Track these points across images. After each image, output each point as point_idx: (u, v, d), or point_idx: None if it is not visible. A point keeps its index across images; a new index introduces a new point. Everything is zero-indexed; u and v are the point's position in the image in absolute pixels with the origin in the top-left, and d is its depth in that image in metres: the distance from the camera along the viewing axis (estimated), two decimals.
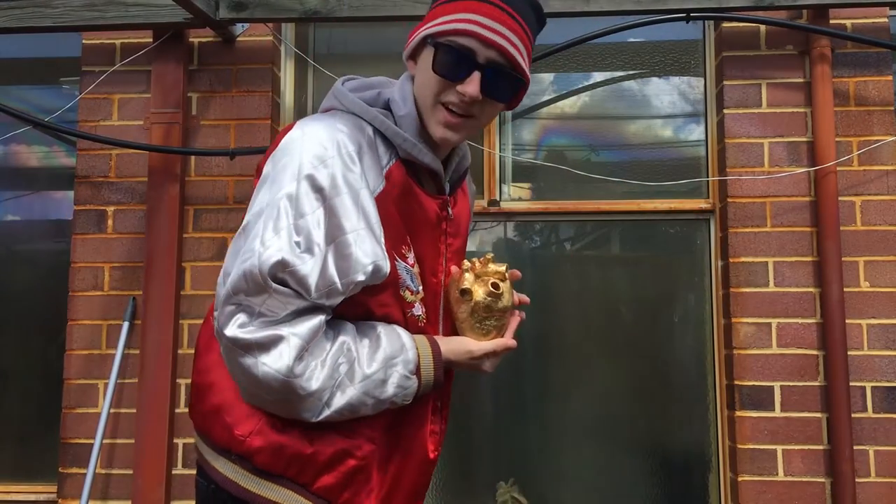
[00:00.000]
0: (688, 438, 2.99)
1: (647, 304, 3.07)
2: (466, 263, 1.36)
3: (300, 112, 3.21)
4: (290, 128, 1.27)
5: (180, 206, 2.92)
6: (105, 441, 2.84)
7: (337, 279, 1.17)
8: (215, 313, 1.20)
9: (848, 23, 2.86)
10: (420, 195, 1.32)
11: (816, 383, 2.73)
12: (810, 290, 2.77)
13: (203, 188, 2.98)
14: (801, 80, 2.87)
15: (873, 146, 2.80)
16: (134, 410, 2.85)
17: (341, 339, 1.22)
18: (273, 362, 1.14)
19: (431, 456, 1.40)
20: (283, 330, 1.15)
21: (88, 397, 2.91)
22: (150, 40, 2.97)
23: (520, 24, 1.25)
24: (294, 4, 2.84)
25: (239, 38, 3.03)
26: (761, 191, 2.83)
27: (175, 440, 2.85)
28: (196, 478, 1.31)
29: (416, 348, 1.28)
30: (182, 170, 2.94)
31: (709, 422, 2.96)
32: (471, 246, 3.07)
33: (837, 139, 2.79)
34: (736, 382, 2.76)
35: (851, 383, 2.69)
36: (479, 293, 1.32)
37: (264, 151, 3.12)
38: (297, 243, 1.15)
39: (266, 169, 1.24)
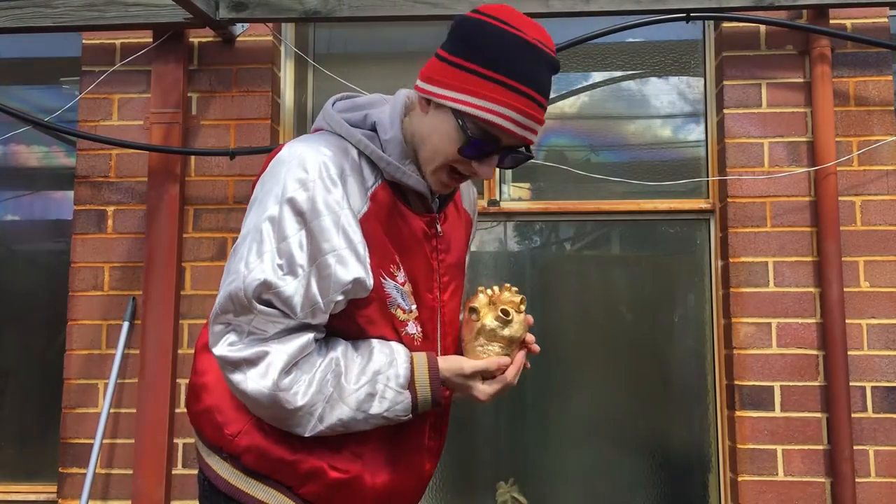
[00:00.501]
0: (688, 438, 2.99)
1: (647, 304, 3.07)
2: (485, 288, 1.36)
3: (300, 112, 3.21)
4: (279, 150, 1.30)
5: (180, 206, 2.92)
6: (105, 441, 2.84)
7: (319, 298, 1.21)
8: (208, 332, 1.25)
9: (848, 23, 2.86)
10: (407, 215, 1.33)
11: (816, 383, 2.73)
12: (810, 290, 2.77)
13: (203, 188, 2.98)
14: (801, 80, 2.87)
15: (873, 146, 2.80)
16: (134, 410, 2.85)
17: (331, 355, 1.25)
18: (260, 377, 1.19)
19: (427, 471, 1.41)
20: (271, 346, 1.20)
21: (88, 397, 2.91)
22: (150, 40, 2.97)
23: (544, 108, 1.26)
24: (294, 4, 2.84)
25: (239, 38, 3.03)
26: (761, 191, 2.83)
27: (175, 440, 2.85)
28: (197, 472, 1.37)
29: (410, 363, 1.28)
30: (182, 170, 2.94)
31: (709, 422, 2.96)
32: (471, 246, 3.08)
33: (837, 139, 2.79)
34: (736, 382, 2.76)
35: (851, 383, 2.69)
36: (488, 316, 1.31)
37: (264, 151, 3.13)
38: (280, 265, 1.19)
39: (255, 191, 1.28)
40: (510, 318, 1.31)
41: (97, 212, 2.99)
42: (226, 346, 1.20)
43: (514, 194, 3.14)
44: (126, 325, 2.89)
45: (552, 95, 3.24)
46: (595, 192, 3.07)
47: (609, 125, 3.21)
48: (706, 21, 3.02)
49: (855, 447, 2.66)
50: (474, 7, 1.31)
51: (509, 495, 2.96)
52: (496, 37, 1.23)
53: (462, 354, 1.36)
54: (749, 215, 2.82)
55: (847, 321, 2.70)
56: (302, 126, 3.21)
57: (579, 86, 3.21)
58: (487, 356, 1.31)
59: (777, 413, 2.73)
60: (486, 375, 1.32)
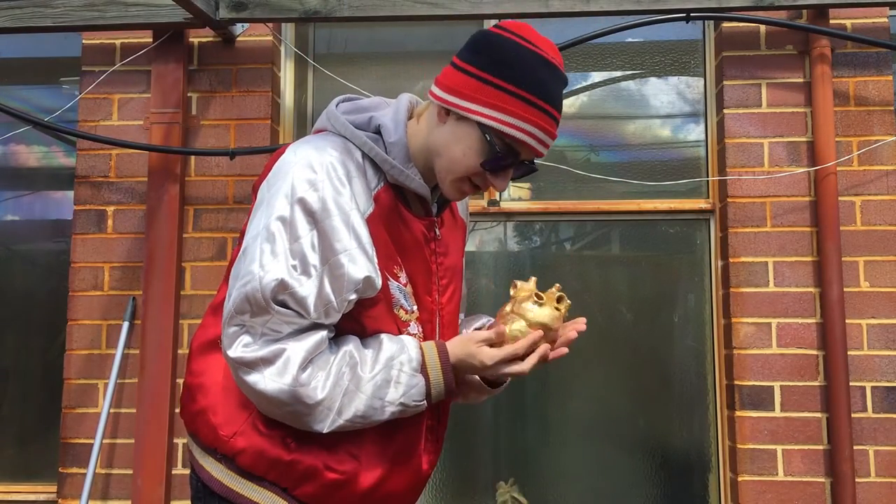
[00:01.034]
0: (688, 438, 2.99)
1: (647, 304, 3.07)
2: (535, 279, 1.39)
3: (300, 112, 3.21)
4: (283, 150, 1.31)
5: (180, 206, 2.92)
6: (105, 441, 2.84)
7: (333, 297, 1.22)
8: (221, 335, 1.24)
9: (848, 23, 2.86)
10: (407, 217, 1.35)
11: (816, 383, 2.73)
12: (810, 290, 2.77)
13: (203, 188, 2.98)
14: (801, 80, 2.87)
15: (873, 146, 2.80)
16: (134, 410, 2.85)
17: (344, 348, 1.26)
18: (279, 374, 1.19)
19: (424, 471, 1.41)
20: (287, 344, 1.20)
21: (88, 397, 2.91)
22: (150, 40, 2.97)
23: (558, 123, 1.30)
24: (294, 4, 2.84)
25: (239, 38, 3.03)
26: (761, 191, 2.83)
27: (175, 440, 2.85)
28: (189, 474, 1.36)
29: (420, 348, 1.30)
30: (182, 170, 2.94)
31: (709, 422, 2.96)
32: (471, 246, 3.08)
33: (837, 139, 2.79)
34: (736, 382, 2.76)
35: (851, 383, 2.69)
36: (524, 291, 1.35)
37: (264, 151, 3.12)
38: (294, 266, 1.20)
39: (261, 192, 1.28)
40: (542, 301, 1.33)
41: (97, 212, 2.99)
42: (241, 348, 1.20)
43: (514, 194, 3.14)
44: (126, 325, 2.89)
45: None
46: (595, 192, 3.07)
47: (609, 125, 3.21)
48: (706, 21, 3.02)
49: (855, 447, 2.66)
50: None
51: (509, 495, 2.96)
52: (521, 55, 1.26)
53: None
54: (749, 215, 2.82)
55: (847, 321, 2.70)
56: (302, 126, 3.21)
57: (579, 86, 3.21)
58: (512, 336, 1.30)
59: (777, 413, 2.73)
60: (495, 345, 1.30)
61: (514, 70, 1.25)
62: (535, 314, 1.32)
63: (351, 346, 1.26)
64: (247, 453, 1.26)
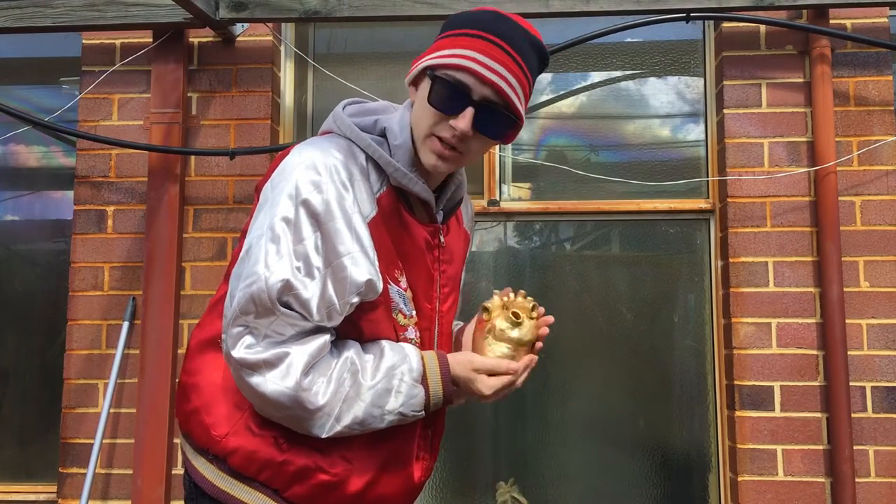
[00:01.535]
0: (688, 438, 2.99)
1: (647, 304, 3.07)
2: (499, 291, 1.39)
3: (300, 112, 3.21)
4: (287, 151, 1.30)
5: (180, 206, 2.92)
6: (105, 441, 2.85)
7: (335, 300, 1.21)
8: (223, 335, 1.23)
9: (848, 23, 2.86)
10: (410, 222, 1.34)
11: (816, 383, 2.73)
12: (810, 290, 2.77)
13: (203, 188, 2.98)
14: (801, 80, 2.87)
15: (873, 146, 2.80)
16: (134, 410, 2.85)
17: (345, 355, 1.25)
18: (281, 378, 1.19)
19: (417, 480, 1.40)
20: (290, 348, 1.20)
21: (88, 397, 2.91)
22: (150, 40, 2.97)
23: (519, 66, 1.26)
24: (294, 4, 2.84)
25: (239, 38, 3.03)
26: (761, 191, 2.83)
27: (175, 440, 2.85)
28: (183, 474, 1.36)
29: (422, 358, 1.30)
30: (182, 170, 2.94)
31: (709, 422, 2.96)
32: (471, 246, 3.08)
33: (837, 139, 2.79)
34: (736, 382, 2.76)
35: (851, 383, 2.69)
36: (499, 317, 1.34)
37: (264, 151, 3.12)
38: (298, 268, 1.20)
39: (265, 192, 1.28)
40: (520, 320, 1.33)
41: (97, 212, 2.99)
42: (244, 349, 1.20)
43: (514, 194, 3.14)
44: (126, 325, 2.89)
45: (551, 96, 3.26)
46: (595, 192, 3.07)
47: (609, 125, 3.21)
48: (706, 21, 3.02)
49: (855, 447, 2.66)
50: (473, 6, 1.32)
51: (509, 495, 2.96)
52: (474, 12, 1.30)
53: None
54: (749, 215, 2.82)
55: (847, 321, 2.70)
56: (302, 126, 3.21)
57: (579, 86, 3.21)
58: (495, 355, 1.33)
59: (777, 413, 2.73)
60: (492, 374, 1.33)
61: (457, 20, 1.29)
62: (517, 334, 1.33)
63: (352, 352, 1.26)
64: (238, 454, 1.26)
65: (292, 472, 1.26)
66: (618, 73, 3.19)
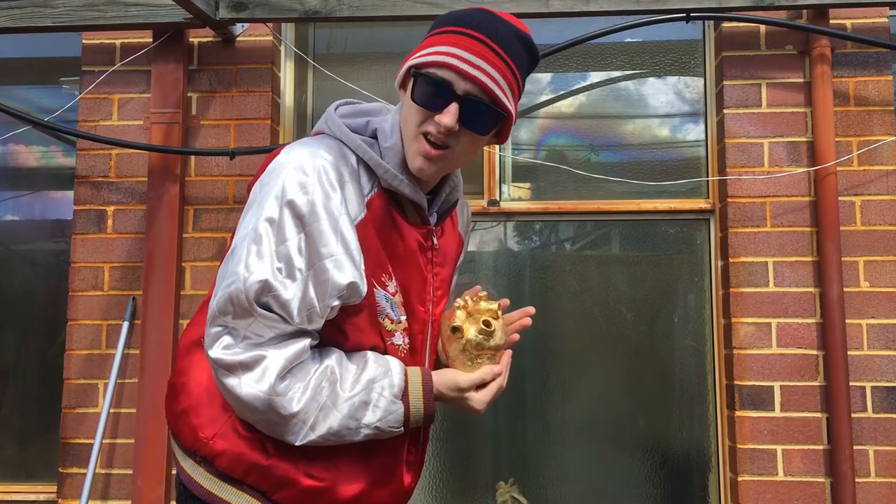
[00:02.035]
0: (688, 438, 2.99)
1: (647, 304, 3.07)
2: (459, 301, 1.36)
3: (300, 112, 3.21)
4: (278, 151, 1.29)
5: (180, 206, 2.92)
6: (105, 441, 2.85)
7: (316, 303, 1.20)
8: (204, 334, 1.23)
9: (848, 23, 2.86)
10: (402, 225, 1.33)
11: (816, 383, 2.73)
12: (810, 290, 2.77)
13: (203, 188, 2.98)
14: (801, 80, 2.87)
15: (873, 146, 2.80)
16: (134, 410, 2.85)
17: (326, 363, 1.24)
18: (256, 381, 1.18)
19: (407, 485, 1.40)
20: (268, 351, 1.19)
21: (88, 397, 2.91)
22: (150, 40, 2.97)
23: (504, 60, 1.25)
24: (294, 4, 2.84)
25: (239, 38, 3.03)
26: (761, 191, 2.83)
27: None
28: (175, 476, 1.36)
29: (405, 375, 1.28)
30: (182, 170, 2.94)
31: (709, 422, 2.96)
32: (470, 246, 3.08)
33: (837, 139, 2.79)
34: (736, 382, 2.76)
35: (851, 383, 2.69)
36: (471, 331, 1.32)
37: (264, 151, 3.12)
38: (279, 269, 1.18)
39: (253, 192, 1.27)
40: (492, 328, 1.32)
41: (97, 212, 2.99)
42: (221, 349, 1.19)
43: (514, 194, 3.14)
44: (126, 325, 2.89)
45: (551, 96, 3.26)
46: (595, 192, 3.07)
47: (609, 125, 3.21)
48: (706, 21, 3.02)
49: (855, 447, 2.66)
50: (473, 6, 1.32)
51: (509, 495, 2.96)
52: (462, 11, 1.29)
53: (447, 367, 1.37)
54: (749, 215, 2.82)
55: (847, 321, 2.70)
56: (302, 126, 3.21)
57: (579, 86, 3.21)
58: (477, 368, 1.33)
59: (777, 413, 2.73)
60: (479, 386, 1.33)
61: (442, 20, 1.29)
62: (493, 342, 1.33)
63: (334, 360, 1.24)
64: (225, 456, 1.25)
65: (279, 476, 1.25)
66: (618, 73, 3.19)
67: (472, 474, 3.07)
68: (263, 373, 1.18)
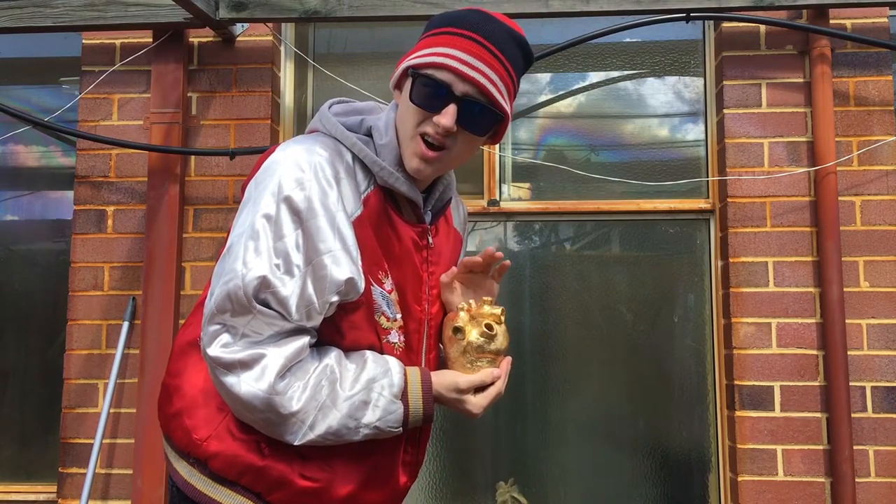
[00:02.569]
0: (688, 438, 2.99)
1: (647, 304, 3.07)
2: (463, 304, 1.36)
3: (300, 112, 3.21)
4: (273, 150, 1.29)
5: (180, 206, 2.92)
6: (105, 441, 2.85)
7: (315, 299, 1.20)
8: (201, 332, 1.22)
9: (848, 23, 2.86)
10: (397, 223, 1.32)
11: (816, 383, 2.73)
12: (810, 290, 2.77)
13: (203, 188, 2.98)
14: (801, 80, 2.87)
15: (873, 146, 2.80)
16: (134, 410, 2.85)
17: (325, 362, 1.23)
18: (255, 380, 1.17)
19: (402, 485, 1.39)
20: (267, 349, 1.18)
21: (88, 397, 2.91)
22: (150, 40, 2.97)
23: (500, 62, 1.26)
24: (294, 4, 2.84)
25: (239, 38, 3.03)
26: (761, 191, 2.83)
27: None
28: (167, 478, 1.35)
29: (404, 374, 1.28)
30: (182, 170, 2.94)
31: (709, 422, 2.96)
32: (470, 246, 3.08)
33: (837, 139, 2.79)
34: (736, 382, 2.76)
35: (851, 383, 2.69)
36: (472, 333, 1.32)
37: (264, 152, 3.12)
38: (277, 265, 1.18)
39: (248, 190, 1.27)
40: (494, 332, 1.32)
41: (97, 212, 2.99)
42: (219, 348, 1.18)
43: (514, 194, 3.14)
44: (126, 325, 2.89)
45: (551, 96, 3.26)
46: (595, 192, 3.07)
47: (609, 125, 3.21)
48: (706, 21, 3.02)
49: (855, 447, 2.66)
50: (473, 6, 1.32)
51: (509, 495, 2.96)
52: (456, 11, 1.30)
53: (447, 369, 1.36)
54: (749, 215, 2.82)
55: (847, 321, 2.70)
56: (302, 126, 3.21)
57: (579, 86, 3.21)
58: (476, 371, 1.33)
59: (777, 413, 2.73)
60: (478, 388, 1.33)
61: (439, 20, 1.30)
62: (494, 346, 1.33)
63: (333, 360, 1.24)
64: (219, 458, 1.24)
65: (273, 477, 1.25)
66: (618, 73, 3.19)
67: (472, 474, 3.07)
68: (263, 371, 1.17)
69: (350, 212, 1.25)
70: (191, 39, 3.03)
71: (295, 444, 1.21)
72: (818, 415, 2.72)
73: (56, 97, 3.32)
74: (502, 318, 1.35)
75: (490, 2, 2.73)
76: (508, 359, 1.38)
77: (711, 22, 3.02)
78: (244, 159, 2.93)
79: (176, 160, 2.92)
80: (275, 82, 3.06)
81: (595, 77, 3.21)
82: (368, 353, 1.28)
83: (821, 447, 2.71)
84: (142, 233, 2.94)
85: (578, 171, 3.02)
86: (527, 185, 3.16)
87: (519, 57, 1.29)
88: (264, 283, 1.17)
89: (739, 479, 2.72)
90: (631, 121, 3.18)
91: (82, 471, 2.84)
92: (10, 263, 3.31)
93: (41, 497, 2.98)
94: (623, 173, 3.04)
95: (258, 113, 2.99)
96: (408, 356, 1.35)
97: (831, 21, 2.81)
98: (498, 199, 3.08)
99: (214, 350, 1.18)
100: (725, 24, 2.91)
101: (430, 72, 1.24)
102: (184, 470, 1.27)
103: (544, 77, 3.21)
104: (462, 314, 1.34)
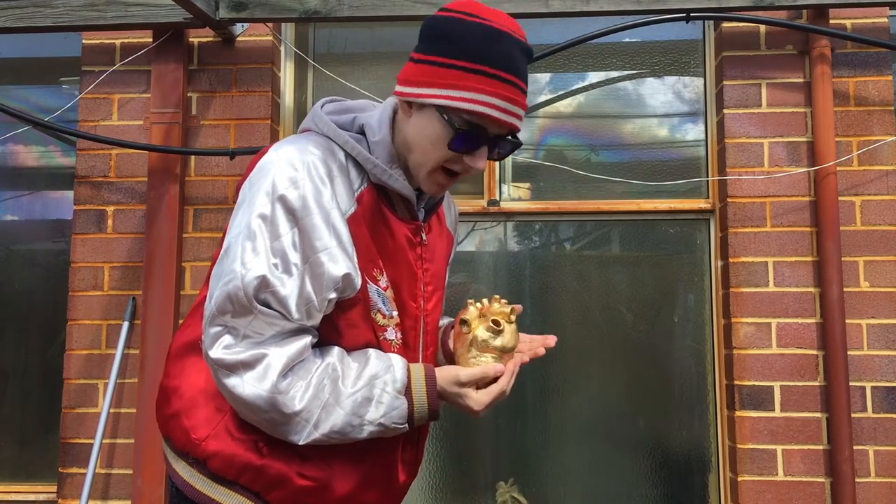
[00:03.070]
0: (688, 438, 2.99)
1: (647, 304, 3.07)
2: (474, 301, 1.37)
3: (300, 112, 3.21)
4: (265, 151, 1.29)
5: (180, 206, 2.92)
6: (105, 441, 2.85)
7: (314, 297, 1.20)
8: (202, 335, 1.22)
9: (848, 23, 2.86)
10: (391, 220, 1.33)
11: (816, 383, 2.73)
12: (810, 290, 2.77)
13: (203, 188, 2.98)
14: (800, 80, 2.87)
15: (873, 146, 2.80)
16: (134, 410, 2.85)
17: (327, 360, 1.24)
18: (258, 380, 1.17)
19: (401, 483, 1.39)
20: (269, 349, 1.18)
21: (88, 397, 2.91)
22: (150, 40, 2.97)
23: (524, 93, 1.26)
24: (294, 4, 2.84)
25: (239, 38, 3.03)
26: (761, 191, 2.83)
27: None
28: (167, 479, 1.35)
29: (407, 370, 1.28)
30: (182, 170, 2.94)
31: (709, 422, 2.96)
32: (470, 246, 3.08)
33: (837, 139, 2.79)
34: (736, 382, 2.76)
35: (851, 383, 2.69)
36: (479, 327, 1.32)
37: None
38: (276, 265, 1.18)
39: (243, 190, 1.27)
40: (501, 328, 1.32)
41: (97, 212, 2.99)
42: (222, 349, 1.18)
43: (514, 194, 3.14)
44: (126, 325, 2.89)
45: (551, 96, 3.26)
46: (595, 192, 3.07)
47: (609, 125, 3.21)
48: (706, 21, 3.02)
49: (855, 447, 2.66)
50: (483, 20, 1.30)
51: (509, 495, 2.96)
52: (465, 29, 1.24)
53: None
54: (749, 215, 2.82)
55: (847, 321, 2.70)
56: None
57: (579, 86, 3.21)
58: (481, 364, 1.32)
59: (777, 413, 2.73)
60: (480, 385, 1.32)
61: (459, 45, 1.23)
62: (500, 342, 1.32)
63: (335, 357, 1.24)
64: (218, 457, 1.25)
65: (272, 476, 1.25)
66: (618, 73, 3.19)
67: (472, 474, 3.07)
68: (265, 371, 1.17)
69: (344, 209, 1.25)
70: (191, 39, 3.03)
71: (300, 443, 1.21)
72: (818, 415, 2.72)
73: (56, 97, 3.32)
74: (512, 317, 1.35)
75: (489, 2, 2.73)
76: (516, 360, 1.36)
77: (711, 22, 3.02)
78: (244, 159, 2.93)
79: (176, 160, 2.92)
80: (275, 82, 3.06)
81: (595, 77, 3.21)
82: (371, 350, 1.28)
83: (821, 447, 2.71)
84: (142, 233, 2.94)
85: (578, 171, 3.02)
86: (527, 185, 3.16)
87: (526, 67, 1.29)
88: (264, 283, 1.17)
89: (739, 479, 2.72)
90: (631, 121, 3.18)
91: (82, 471, 2.84)
92: (10, 263, 3.31)
93: (41, 497, 2.98)
94: (623, 173, 3.04)
95: (258, 113, 2.99)
96: (405, 353, 1.35)
97: (831, 21, 2.81)
98: (498, 199, 3.08)
99: (216, 352, 1.18)
100: (725, 24, 2.91)
101: (464, 116, 1.23)
102: (183, 470, 1.28)
103: (544, 77, 3.21)
104: (472, 309, 1.35)
